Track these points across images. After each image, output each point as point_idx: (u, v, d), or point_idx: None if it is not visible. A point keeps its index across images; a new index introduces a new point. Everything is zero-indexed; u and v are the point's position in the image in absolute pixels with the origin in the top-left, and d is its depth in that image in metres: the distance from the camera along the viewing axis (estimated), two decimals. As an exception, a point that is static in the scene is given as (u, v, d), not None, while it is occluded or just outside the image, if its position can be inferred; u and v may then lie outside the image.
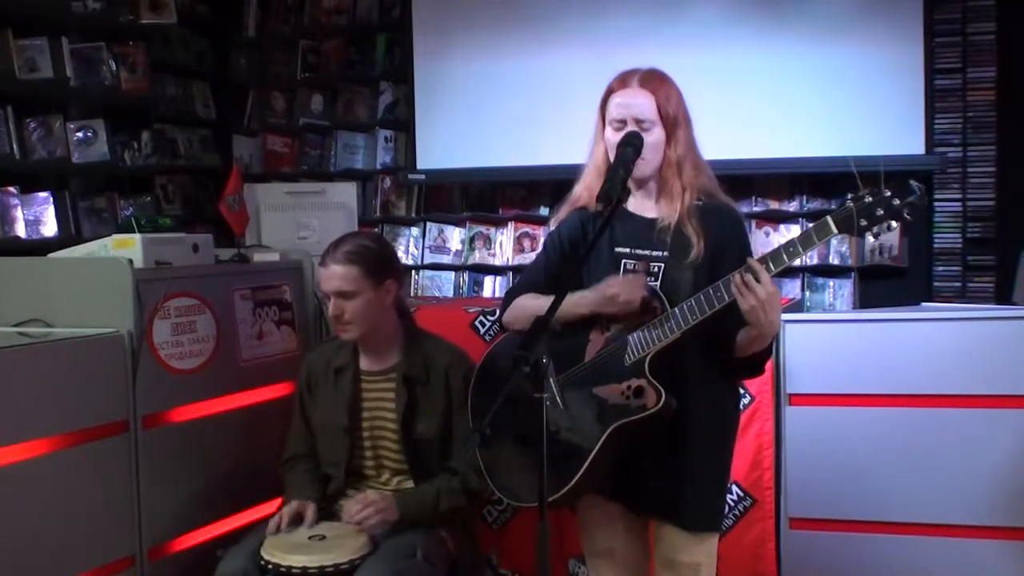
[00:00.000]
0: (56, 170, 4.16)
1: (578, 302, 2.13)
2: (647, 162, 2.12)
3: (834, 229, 1.93)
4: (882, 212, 1.90)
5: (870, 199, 1.91)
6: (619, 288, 2.09)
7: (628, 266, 2.17)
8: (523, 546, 3.14)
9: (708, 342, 2.13)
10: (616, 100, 2.15)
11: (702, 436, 2.17)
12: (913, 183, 1.90)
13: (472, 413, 2.39)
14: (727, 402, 2.27)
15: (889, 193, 1.90)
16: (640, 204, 2.20)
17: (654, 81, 2.16)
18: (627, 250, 2.18)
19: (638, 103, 2.13)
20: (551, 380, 2.18)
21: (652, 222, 2.17)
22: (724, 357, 2.13)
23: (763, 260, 1.98)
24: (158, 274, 2.73)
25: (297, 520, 2.52)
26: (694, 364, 2.14)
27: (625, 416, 2.09)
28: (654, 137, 2.12)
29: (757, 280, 1.93)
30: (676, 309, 2.05)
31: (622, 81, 2.17)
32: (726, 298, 1.99)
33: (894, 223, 1.92)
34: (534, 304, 2.20)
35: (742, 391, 3.00)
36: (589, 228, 2.23)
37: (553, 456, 2.11)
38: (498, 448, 2.25)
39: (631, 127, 2.12)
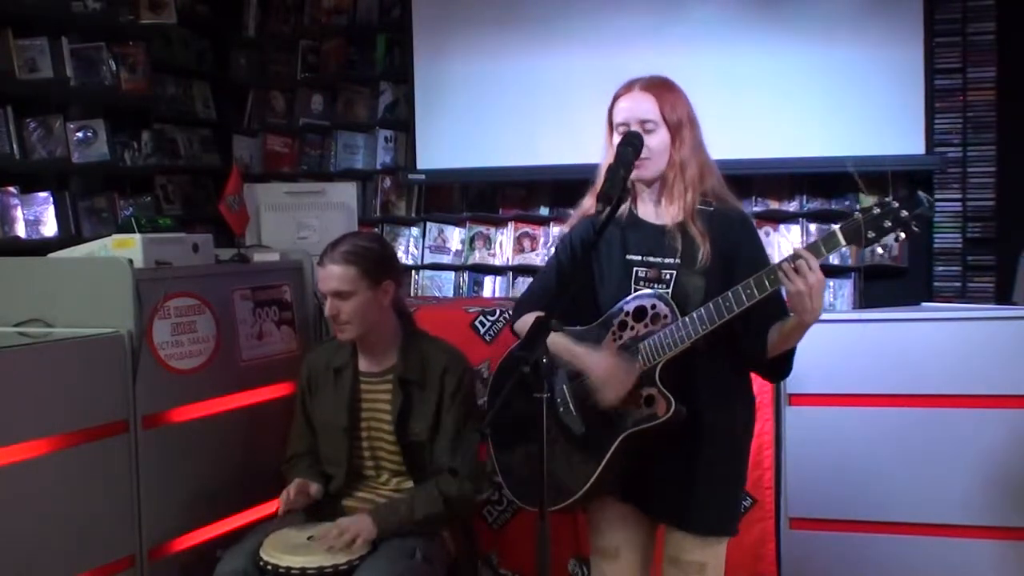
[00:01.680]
0: (56, 170, 4.16)
1: (574, 354, 2.15)
2: (653, 163, 2.13)
3: (842, 241, 1.94)
4: (889, 224, 1.90)
5: (878, 210, 1.90)
6: (605, 387, 2.09)
7: (640, 273, 2.17)
8: (523, 546, 3.15)
9: (724, 347, 2.12)
10: (620, 105, 2.18)
11: (713, 442, 2.16)
12: (921, 194, 1.91)
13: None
14: (740, 408, 2.25)
15: (897, 204, 1.90)
16: (651, 211, 2.21)
17: (657, 85, 2.18)
18: (638, 257, 2.18)
19: (641, 105, 2.14)
20: (564, 386, 2.20)
21: (662, 228, 2.17)
22: (754, 357, 2.12)
23: (771, 271, 1.97)
24: (158, 274, 2.73)
25: (303, 496, 2.52)
26: (707, 370, 2.14)
27: (635, 425, 2.10)
28: (658, 139, 2.13)
29: (808, 266, 1.92)
30: (687, 318, 2.05)
31: (627, 87, 2.20)
32: (735, 308, 1.99)
33: (901, 234, 1.92)
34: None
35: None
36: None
37: (566, 461, 2.15)
38: (515, 450, 2.25)
39: (635, 129, 2.12)
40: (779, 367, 2.15)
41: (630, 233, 2.20)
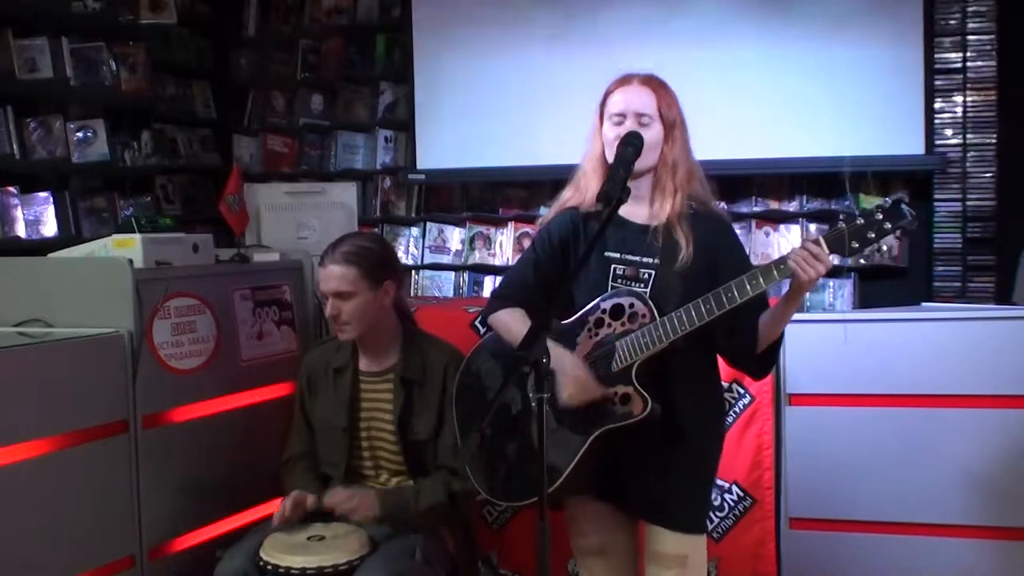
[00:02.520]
0: (56, 170, 4.16)
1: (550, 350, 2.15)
2: (646, 155, 2.14)
3: (825, 250, 1.95)
4: (873, 235, 1.92)
5: (862, 221, 1.93)
6: (571, 391, 2.10)
7: (618, 271, 2.18)
8: (523, 546, 3.15)
9: (701, 346, 2.14)
10: (616, 96, 2.19)
11: (687, 439, 2.18)
12: (904, 207, 1.92)
13: (457, 420, 2.40)
14: (713, 405, 2.29)
15: (881, 216, 1.92)
16: (632, 209, 2.20)
17: (654, 81, 2.20)
18: (617, 255, 2.19)
19: (639, 98, 2.16)
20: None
21: (644, 228, 2.18)
22: (743, 353, 2.14)
23: (754, 276, 1.99)
24: (158, 274, 2.73)
25: (300, 509, 2.52)
26: (683, 368, 2.15)
27: (610, 422, 2.11)
28: (652, 133, 2.14)
29: (816, 256, 1.94)
30: (665, 319, 2.06)
31: (623, 80, 2.21)
32: (716, 311, 2.00)
33: (883, 246, 1.94)
34: (516, 328, 2.20)
35: (742, 391, 3.00)
36: (580, 228, 2.24)
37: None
38: (489, 446, 2.25)
39: (631, 121, 2.14)
40: (767, 360, 2.16)
41: (610, 231, 2.18)
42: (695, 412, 2.19)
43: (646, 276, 2.15)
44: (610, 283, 2.18)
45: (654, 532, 2.23)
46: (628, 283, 2.17)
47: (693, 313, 2.02)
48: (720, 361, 2.29)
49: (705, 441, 2.25)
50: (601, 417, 2.12)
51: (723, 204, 3.90)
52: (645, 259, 2.16)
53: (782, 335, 2.13)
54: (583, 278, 2.21)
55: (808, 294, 4.38)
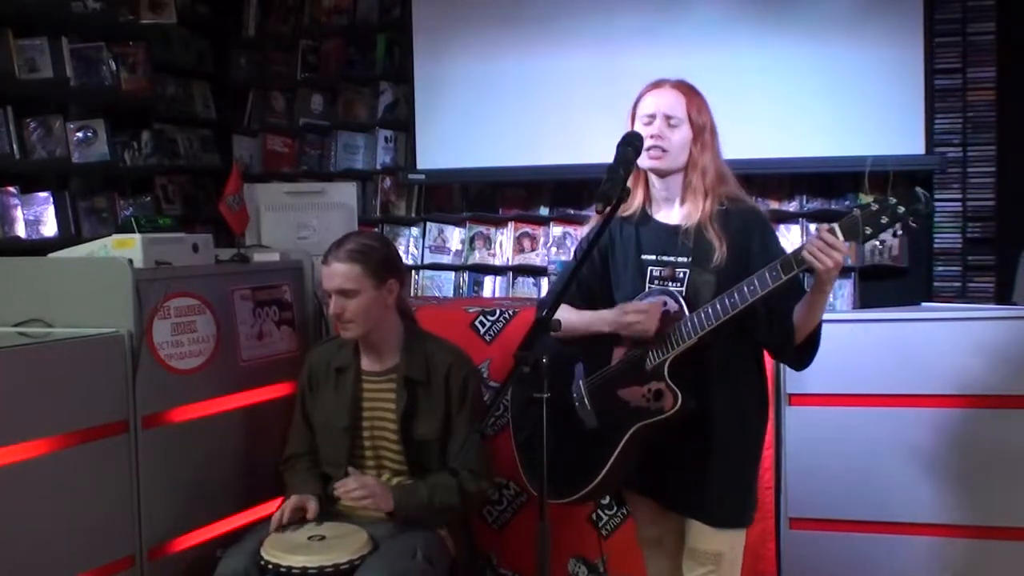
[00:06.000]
0: (56, 170, 4.16)
1: (601, 318, 2.20)
2: (671, 156, 2.17)
3: (840, 236, 1.96)
4: (886, 220, 1.92)
5: (875, 207, 1.92)
6: (636, 317, 2.13)
7: (654, 273, 2.21)
8: (523, 546, 3.14)
9: (738, 342, 2.15)
10: (648, 99, 2.22)
11: (724, 435, 2.19)
12: (919, 190, 1.91)
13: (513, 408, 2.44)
14: (753, 402, 2.28)
15: (895, 201, 1.91)
16: (665, 211, 2.24)
17: (686, 86, 2.24)
18: (653, 257, 2.22)
19: (670, 100, 2.19)
20: (580, 382, 2.23)
21: (676, 229, 2.20)
22: (783, 344, 2.14)
23: (773, 268, 2.00)
24: (158, 274, 2.73)
25: (299, 514, 2.52)
26: (720, 364, 2.17)
27: (645, 418, 2.13)
28: (680, 134, 2.17)
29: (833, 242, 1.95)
30: (693, 315, 2.08)
31: (654, 84, 2.25)
32: (739, 304, 2.01)
33: (899, 231, 1.93)
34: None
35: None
36: (616, 232, 2.25)
37: (581, 455, 2.20)
38: (536, 446, 2.26)
39: (660, 122, 2.16)
40: (806, 351, 2.16)
41: (644, 233, 2.23)
42: (734, 409, 2.20)
43: (681, 275, 2.18)
44: (647, 284, 2.21)
45: (690, 527, 2.26)
46: (665, 283, 2.19)
47: (719, 307, 2.04)
48: (766, 360, 2.30)
49: (743, 438, 2.25)
50: (636, 414, 2.14)
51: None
52: (679, 259, 2.19)
53: (819, 327, 2.13)
54: (621, 281, 2.25)
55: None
